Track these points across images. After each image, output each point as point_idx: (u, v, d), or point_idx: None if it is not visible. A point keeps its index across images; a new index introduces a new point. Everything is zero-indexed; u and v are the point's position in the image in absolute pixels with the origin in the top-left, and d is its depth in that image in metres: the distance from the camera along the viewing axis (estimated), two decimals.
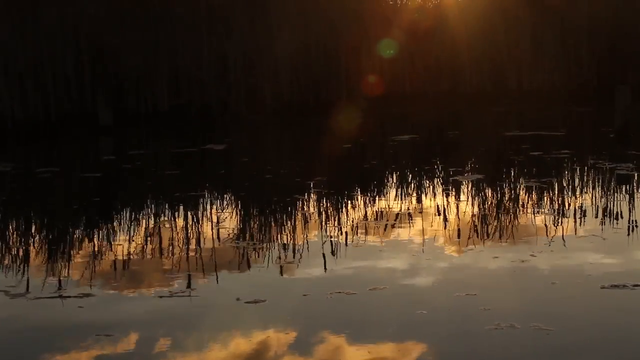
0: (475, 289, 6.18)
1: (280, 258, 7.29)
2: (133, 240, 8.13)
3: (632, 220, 8.52)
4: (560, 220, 8.63)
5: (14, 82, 18.11)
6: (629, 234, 8.02)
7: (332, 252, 7.39)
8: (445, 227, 8.52)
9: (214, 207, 9.89)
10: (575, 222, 8.57)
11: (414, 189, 10.82)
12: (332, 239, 7.91)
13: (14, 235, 8.89)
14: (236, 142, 16.17)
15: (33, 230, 9.10)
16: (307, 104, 19.63)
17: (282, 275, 6.79)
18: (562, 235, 8.00)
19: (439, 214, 9.14)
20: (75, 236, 8.69)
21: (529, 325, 5.34)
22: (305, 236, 8.15)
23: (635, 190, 10.36)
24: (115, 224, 9.11)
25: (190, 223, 8.95)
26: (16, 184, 12.35)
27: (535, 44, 20.57)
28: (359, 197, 10.18)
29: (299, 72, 19.80)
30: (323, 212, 9.34)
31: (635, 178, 11.16)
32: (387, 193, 10.60)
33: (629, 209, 9.11)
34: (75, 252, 7.86)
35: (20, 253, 7.96)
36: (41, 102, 18.27)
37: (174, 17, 19.51)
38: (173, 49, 19.26)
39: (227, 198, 10.61)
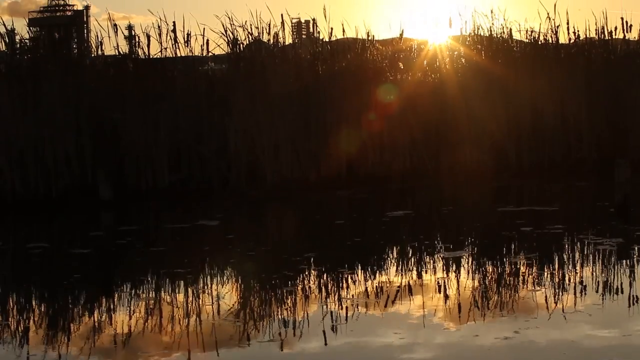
0: None
1: (271, 335, 7.28)
2: (113, 317, 8.12)
3: (621, 296, 8.50)
4: (549, 296, 8.65)
5: (15, 157, 18.20)
6: (628, 306, 8.01)
7: (332, 328, 7.41)
8: (437, 304, 8.54)
9: (196, 284, 9.90)
10: (565, 297, 8.59)
11: (401, 265, 10.83)
12: (323, 316, 7.91)
13: None
14: (230, 218, 16.21)
15: (9, 307, 9.10)
16: (307, 179, 19.63)
17: (278, 352, 6.79)
18: (552, 310, 8.02)
19: (430, 291, 9.17)
20: (55, 313, 8.69)
21: None
22: (296, 313, 8.15)
23: (629, 265, 10.34)
24: (96, 301, 9.11)
25: (174, 300, 8.95)
26: (1, 260, 12.42)
27: (535, 119, 20.61)
28: (346, 274, 10.17)
29: (299, 148, 19.85)
30: (308, 290, 9.33)
31: (629, 252, 11.14)
32: (375, 270, 10.62)
33: (620, 284, 9.11)
34: (57, 329, 7.86)
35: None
36: (42, 177, 18.37)
37: (175, 92, 19.65)
38: (173, 124, 19.37)
39: (207, 276, 10.63)
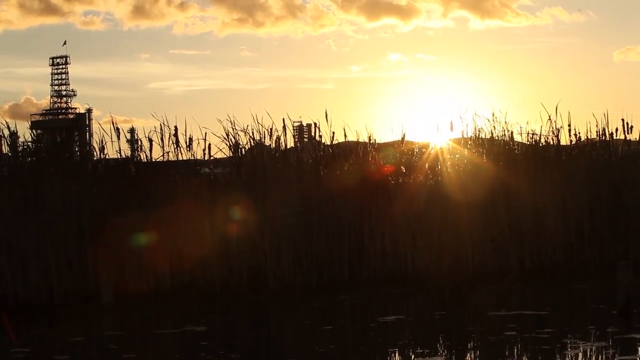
0: None
1: None
2: None
3: None
4: None
5: (17, 261, 18.09)
6: None
7: None
8: None
9: None
10: None
11: None
12: None
13: None
14: (221, 324, 15.90)
15: None
16: (309, 284, 19.34)
17: None
18: None
19: None
20: None
21: None
22: None
23: None
24: None
25: None
26: None
27: (537, 220, 20.30)
28: None
29: (301, 252, 19.58)
30: None
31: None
32: None
33: None
34: None
35: None
36: (43, 281, 18.25)
37: (176, 195, 19.50)
38: (175, 228, 19.19)
39: None
